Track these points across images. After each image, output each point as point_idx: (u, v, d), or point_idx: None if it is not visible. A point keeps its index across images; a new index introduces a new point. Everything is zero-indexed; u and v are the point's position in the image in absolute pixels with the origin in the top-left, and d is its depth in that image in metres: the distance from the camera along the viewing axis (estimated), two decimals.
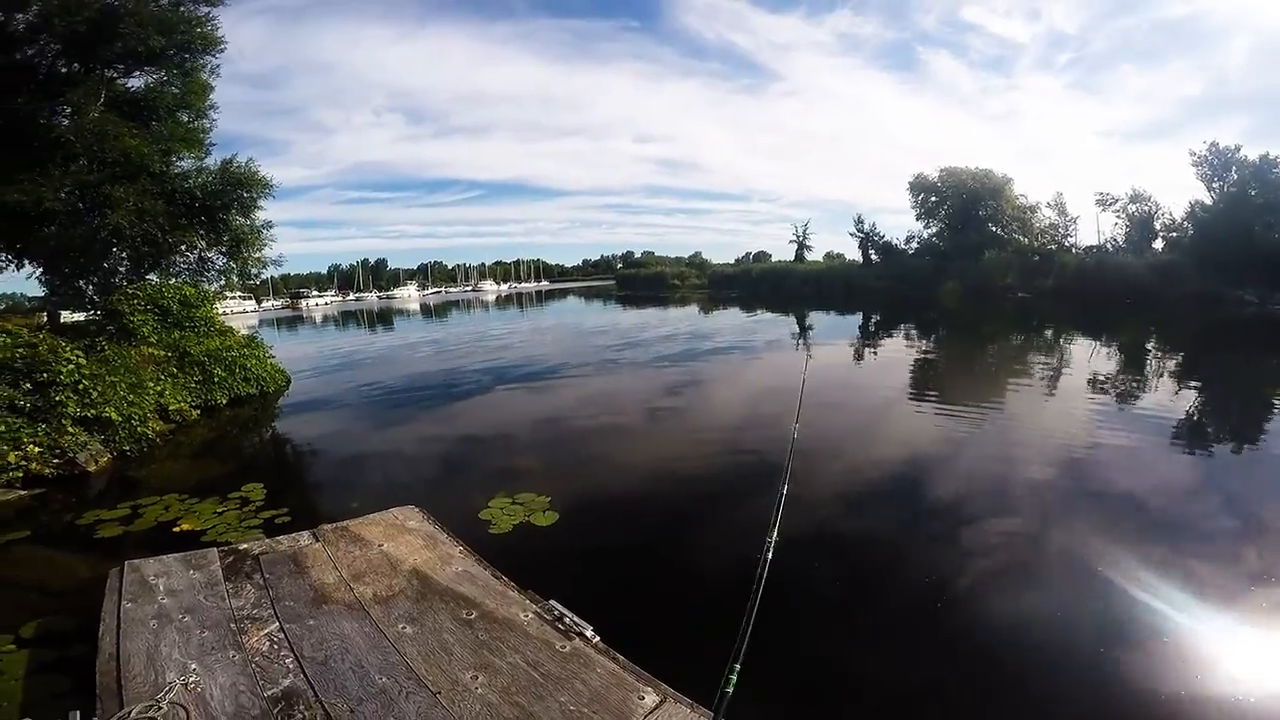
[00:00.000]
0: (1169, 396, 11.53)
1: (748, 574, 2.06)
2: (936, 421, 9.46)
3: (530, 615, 3.18)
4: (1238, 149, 33.50)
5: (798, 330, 25.30)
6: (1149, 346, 19.29)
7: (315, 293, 78.61)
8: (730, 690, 1.67)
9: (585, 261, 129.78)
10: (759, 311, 33.26)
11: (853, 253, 53.16)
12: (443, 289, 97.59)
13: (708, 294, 54.67)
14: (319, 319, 46.82)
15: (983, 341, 20.97)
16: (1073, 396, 11.21)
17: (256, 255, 14.50)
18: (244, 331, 14.76)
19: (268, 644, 2.90)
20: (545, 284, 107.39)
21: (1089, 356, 17.00)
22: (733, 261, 79.32)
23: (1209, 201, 34.35)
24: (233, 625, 3.05)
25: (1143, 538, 5.16)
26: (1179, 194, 43.87)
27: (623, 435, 9.12)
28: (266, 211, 14.54)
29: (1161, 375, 14.28)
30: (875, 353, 18.51)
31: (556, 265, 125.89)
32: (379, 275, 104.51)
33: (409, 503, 4.96)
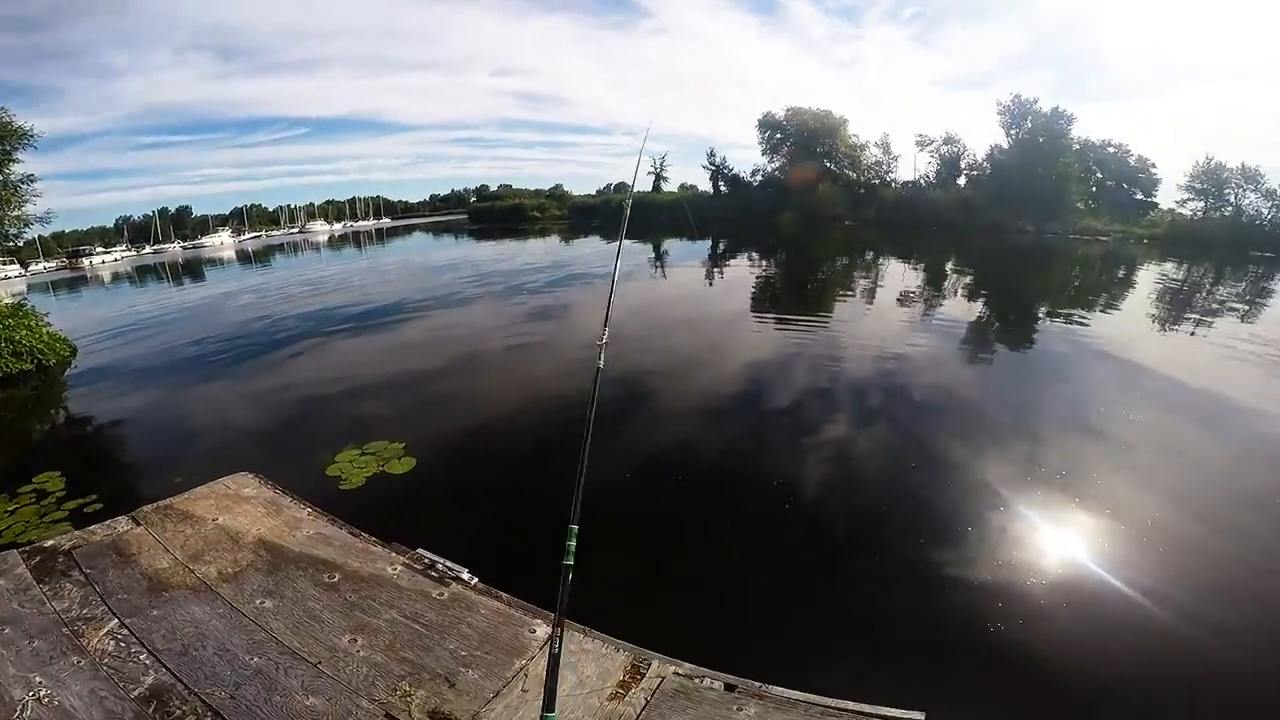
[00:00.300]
0: (962, 308, 13.72)
1: (623, 493, 2.22)
2: (775, 333, 10.49)
3: (399, 568, 3.16)
4: (1035, 101, 39.70)
5: (654, 256, 25.99)
6: (948, 268, 22.48)
7: (100, 249, 65.06)
8: (571, 561, 1.60)
9: (433, 197, 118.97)
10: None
11: (705, 184, 55.01)
12: (263, 233, 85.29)
13: (568, 225, 53.76)
14: (108, 277, 39.21)
15: (814, 263, 23.14)
16: (887, 309, 12.93)
17: (15, 214, 12.08)
18: (7, 301, 12.10)
19: (112, 643, 2.65)
20: (387, 221, 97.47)
21: (900, 275, 19.58)
22: (594, 193, 77.85)
23: (1006, 145, 40.48)
24: (65, 630, 2.73)
25: (944, 433, 6.20)
26: (986, 139, 51.37)
27: (480, 369, 8.89)
28: (26, 164, 12.02)
29: (956, 291, 16.84)
30: (722, 274, 19.72)
31: (400, 202, 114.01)
32: (181, 224, 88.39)
33: (242, 469, 4.55)
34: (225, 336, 12.53)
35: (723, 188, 52.21)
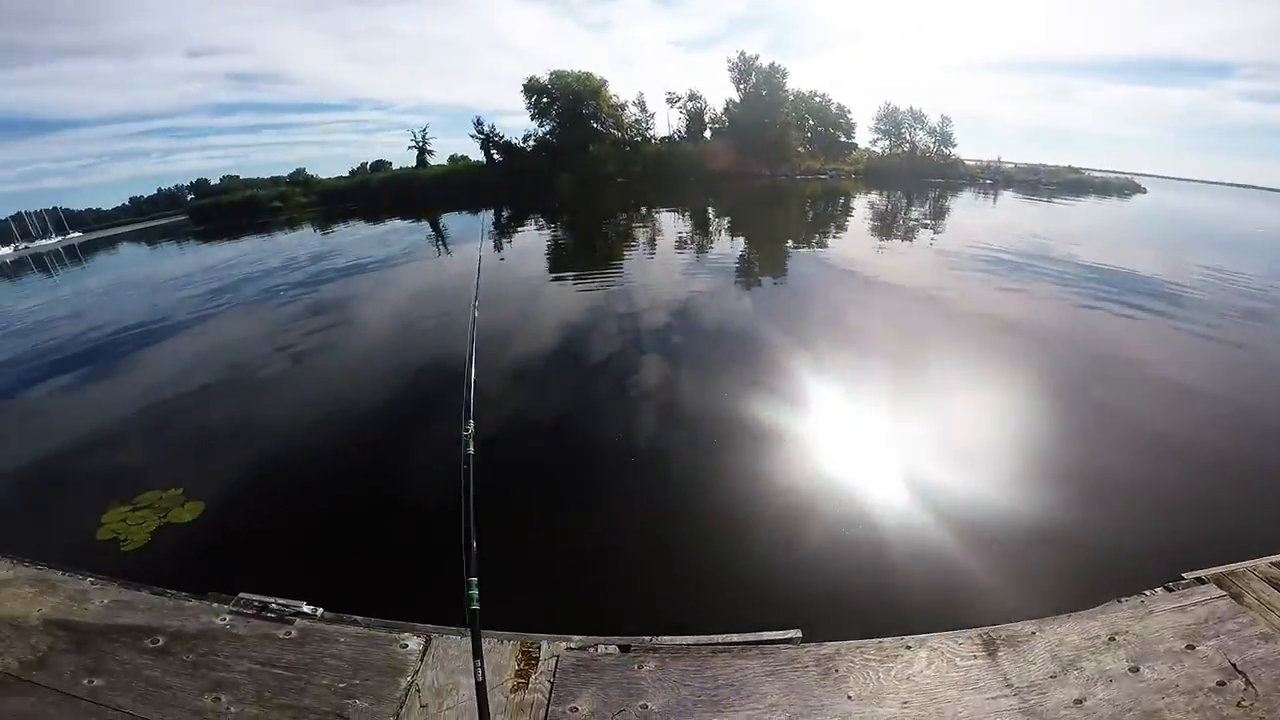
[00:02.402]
0: (727, 246, 15.43)
1: (458, 483, 2.08)
2: (576, 293, 10.75)
3: (227, 618, 2.75)
4: (756, 58, 44.91)
5: (433, 234, 24.49)
6: (709, 212, 24.83)
7: None
8: (476, 607, 1.66)
9: (135, 199, 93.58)
10: (388, 221, 30.69)
11: (476, 154, 53.06)
12: None
13: (320, 211, 47.50)
14: None
15: (597, 220, 23.86)
16: (668, 256, 14.00)
17: None
18: None
19: None
20: (77, 235, 75.37)
21: (673, 224, 21.21)
22: (347, 174, 69.30)
23: (738, 99, 45.63)
24: None
25: (741, 359, 7.06)
26: (724, 94, 57.24)
27: (259, 387, 7.62)
28: None
29: (720, 232, 18.82)
30: (511, 243, 19.33)
31: (90, 210, 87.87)
32: None
33: None
34: None
35: (496, 156, 50.93)
